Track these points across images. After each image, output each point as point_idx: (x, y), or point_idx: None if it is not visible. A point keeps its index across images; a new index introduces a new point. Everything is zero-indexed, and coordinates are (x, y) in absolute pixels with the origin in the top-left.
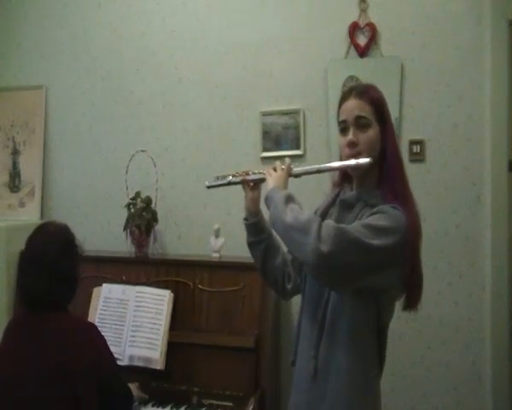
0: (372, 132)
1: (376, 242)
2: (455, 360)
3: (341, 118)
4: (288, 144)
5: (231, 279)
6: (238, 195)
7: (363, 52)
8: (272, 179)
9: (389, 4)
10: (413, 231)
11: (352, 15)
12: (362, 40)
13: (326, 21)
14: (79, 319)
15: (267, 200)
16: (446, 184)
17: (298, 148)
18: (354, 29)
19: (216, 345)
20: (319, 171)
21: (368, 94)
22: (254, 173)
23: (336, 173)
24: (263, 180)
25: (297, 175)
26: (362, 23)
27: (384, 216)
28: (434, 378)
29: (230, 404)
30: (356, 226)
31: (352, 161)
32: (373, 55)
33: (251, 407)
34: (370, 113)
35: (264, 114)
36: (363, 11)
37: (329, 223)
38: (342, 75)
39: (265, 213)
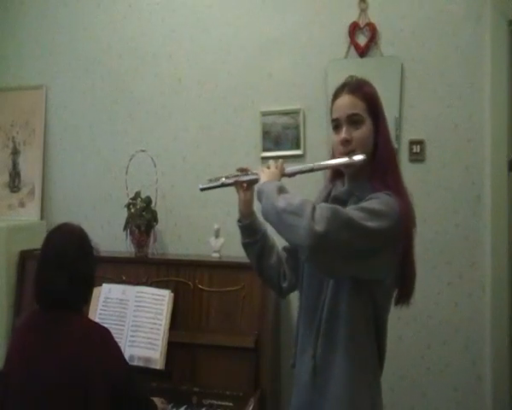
0: (365, 129)
1: (370, 224)
2: (455, 360)
3: (334, 116)
4: (288, 144)
5: (231, 279)
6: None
7: (363, 52)
8: (265, 175)
9: (389, 4)
10: (406, 217)
11: (352, 15)
12: (362, 40)
13: (326, 21)
14: (94, 322)
15: (259, 193)
16: (446, 184)
17: (298, 148)
18: (354, 29)
19: (216, 345)
20: (313, 170)
21: (360, 89)
22: (247, 175)
23: (328, 170)
24: (256, 180)
25: (290, 175)
26: (362, 23)
27: (378, 201)
28: (434, 378)
29: (230, 404)
30: (349, 209)
31: (347, 159)
32: (373, 55)
33: (251, 407)
34: (363, 109)
35: (264, 114)
36: (363, 11)
37: (323, 204)
38: (342, 75)
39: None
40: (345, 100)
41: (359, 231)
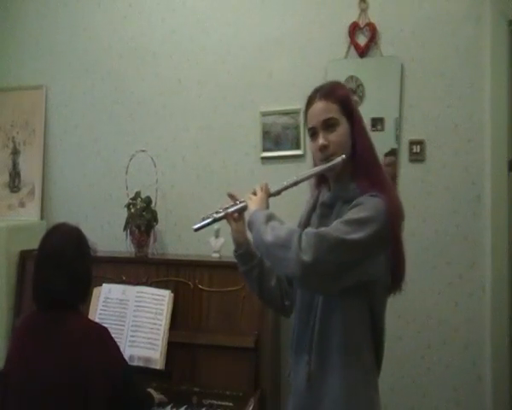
0: (341, 130)
1: (357, 235)
2: (455, 360)
3: (310, 124)
4: (288, 144)
5: (231, 279)
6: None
7: (363, 52)
8: (253, 203)
9: (389, 4)
10: (393, 214)
11: (352, 15)
12: (362, 40)
13: (326, 21)
14: (93, 322)
15: (249, 224)
16: (446, 184)
17: (298, 148)
18: (354, 29)
19: (216, 345)
20: (297, 183)
21: (332, 93)
22: (235, 204)
23: (313, 178)
24: (245, 208)
25: (276, 194)
26: (362, 23)
27: (361, 207)
28: (434, 378)
29: (230, 404)
30: (335, 225)
31: (327, 164)
32: (373, 55)
33: (251, 407)
34: (337, 111)
35: (264, 114)
36: (363, 11)
37: (309, 231)
38: (342, 75)
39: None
40: (318, 106)
41: (348, 248)
